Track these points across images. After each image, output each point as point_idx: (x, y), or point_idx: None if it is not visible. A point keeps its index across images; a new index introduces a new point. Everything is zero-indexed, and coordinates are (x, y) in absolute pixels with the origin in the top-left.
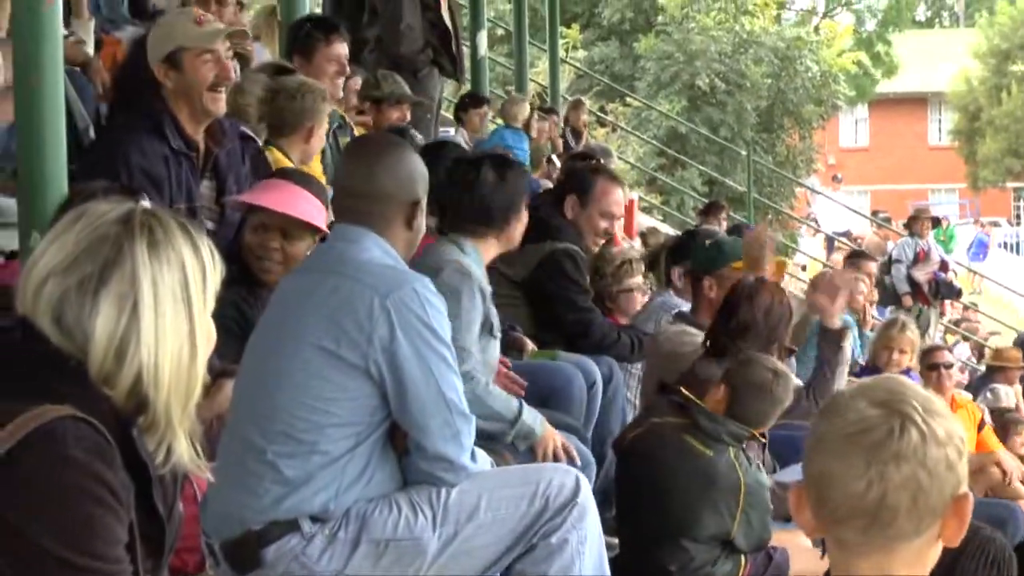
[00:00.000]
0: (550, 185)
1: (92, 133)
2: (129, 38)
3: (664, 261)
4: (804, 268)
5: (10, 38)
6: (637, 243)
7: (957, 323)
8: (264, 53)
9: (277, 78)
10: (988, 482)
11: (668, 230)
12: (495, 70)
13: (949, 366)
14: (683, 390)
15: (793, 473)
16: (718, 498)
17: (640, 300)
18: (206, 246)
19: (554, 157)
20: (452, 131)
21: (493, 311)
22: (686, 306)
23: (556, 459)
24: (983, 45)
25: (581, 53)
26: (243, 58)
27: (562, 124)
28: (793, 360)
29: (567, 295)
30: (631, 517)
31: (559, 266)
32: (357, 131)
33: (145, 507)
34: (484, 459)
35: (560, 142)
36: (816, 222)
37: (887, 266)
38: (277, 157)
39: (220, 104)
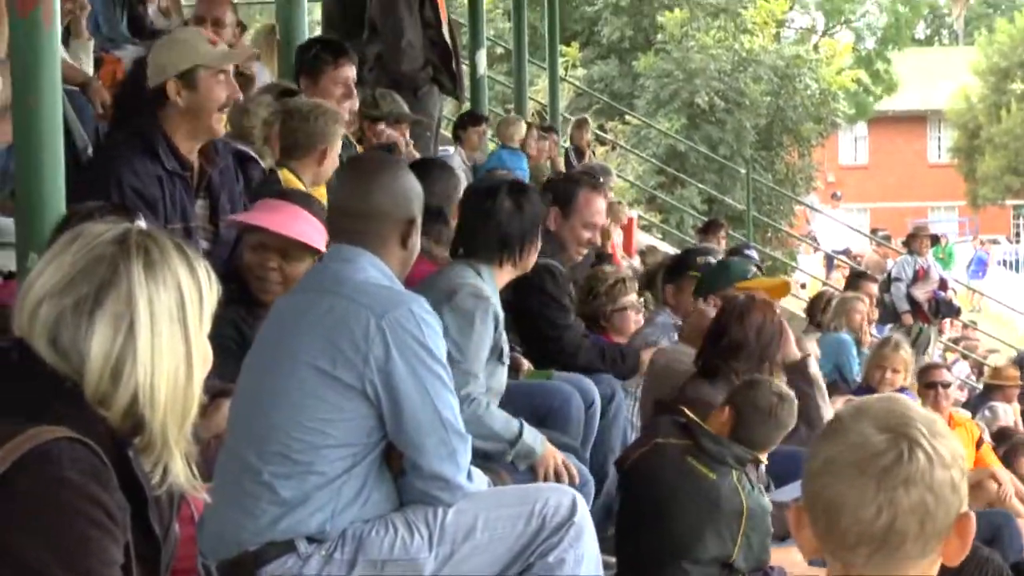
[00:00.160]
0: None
1: (91, 153)
2: (129, 57)
3: (660, 279)
4: (804, 286)
5: (8, 59)
6: (636, 261)
7: (956, 341)
8: (264, 72)
9: (289, 99)
10: (986, 498)
11: (667, 248)
12: (495, 88)
13: (947, 385)
14: (687, 411)
15: (790, 492)
16: (720, 522)
17: (634, 318)
18: (202, 267)
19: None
20: (451, 149)
21: (504, 337)
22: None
23: (557, 477)
24: (982, 63)
25: (581, 71)
26: (245, 77)
27: (568, 142)
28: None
29: (545, 312)
30: (632, 537)
31: (539, 283)
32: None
33: (141, 528)
34: (481, 478)
35: (560, 161)
36: (815, 240)
37: (886, 284)
38: (288, 178)
39: (222, 124)
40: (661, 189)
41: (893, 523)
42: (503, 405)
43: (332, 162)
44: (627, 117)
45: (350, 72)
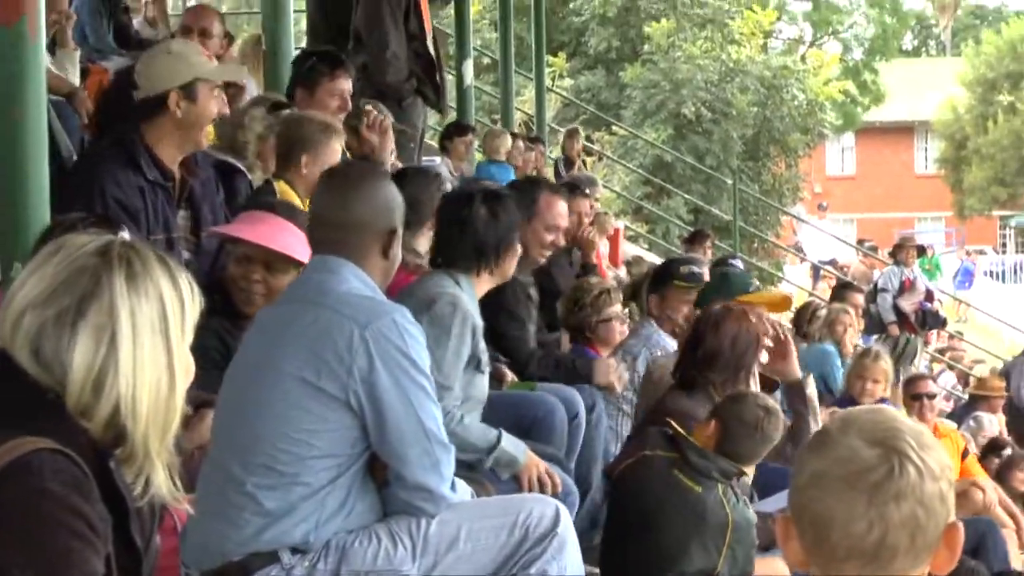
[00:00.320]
0: None
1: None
2: (116, 68)
3: (644, 290)
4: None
5: None
6: (623, 272)
7: (942, 351)
8: (250, 83)
9: (285, 111)
10: (971, 507)
11: (654, 259)
12: (481, 99)
13: (932, 396)
14: (674, 424)
15: (775, 503)
16: (706, 535)
17: (619, 329)
18: (184, 278)
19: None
20: (437, 160)
21: (482, 346)
22: (665, 339)
23: (541, 485)
24: (969, 74)
25: (567, 82)
26: (236, 87)
27: (560, 152)
28: (778, 393)
29: (495, 322)
30: (619, 548)
31: (492, 292)
32: None
33: (122, 539)
34: (464, 489)
35: (546, 171)
36: (802, 251)
37: (873, 295)
38: (284, 190)
39: (207, 137)
40: (647, 199)
41: (884, 538)
42: (487, 414)
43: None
44: (614, 128)
45: (346, 84)
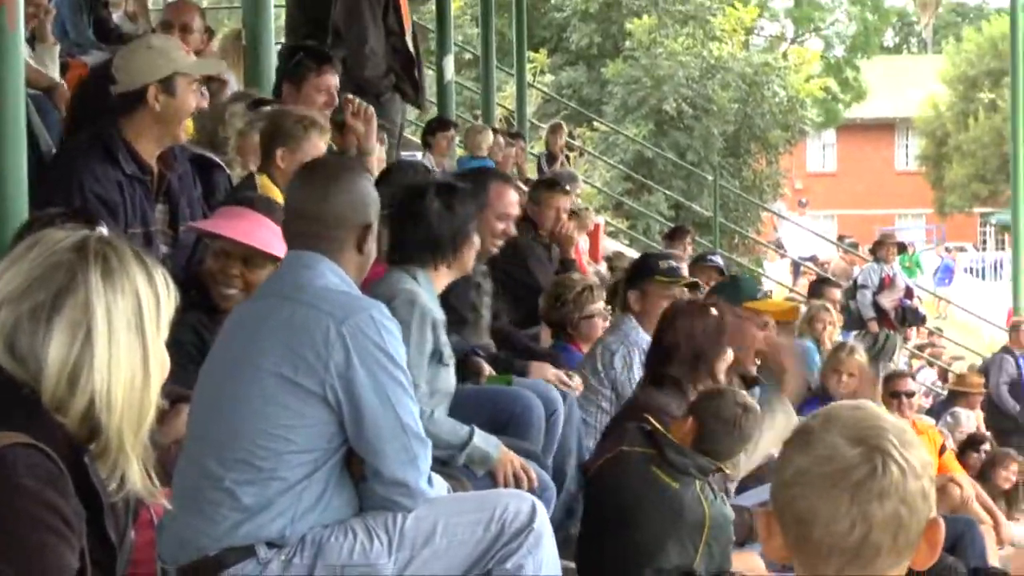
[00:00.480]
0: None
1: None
2: (96, 62)
3: (622, 286)
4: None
5: None
6: (603, 267)
7: (922, 348)
8: (230, 78)
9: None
10: (949, 503)
11: (634, 255)
12: (462, 94)
13: (911, 395)
14: (652, 420)
15: (752, 497)
16: (683, 531)
17: (601, 326)
18: (160, 275)
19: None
20: (418, 155)
21: (444, 339)
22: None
23: (517, 480)
24: (950, 71)
25: (549, 78)
26: (219, 82)
27: (543, 147)
28: (756, 389)
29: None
30: (596, 544)
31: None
32: None
33: (97, 534)
34: (441, 484)
35: (527, 167)
36: (782, 247)
37: (852, 291)
38: (265, 184)
39: (185, 132)
40: (628, 195)
41: (867, 537)
42: (464, 410)
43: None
44: (595, 123)
45: (333, 80)
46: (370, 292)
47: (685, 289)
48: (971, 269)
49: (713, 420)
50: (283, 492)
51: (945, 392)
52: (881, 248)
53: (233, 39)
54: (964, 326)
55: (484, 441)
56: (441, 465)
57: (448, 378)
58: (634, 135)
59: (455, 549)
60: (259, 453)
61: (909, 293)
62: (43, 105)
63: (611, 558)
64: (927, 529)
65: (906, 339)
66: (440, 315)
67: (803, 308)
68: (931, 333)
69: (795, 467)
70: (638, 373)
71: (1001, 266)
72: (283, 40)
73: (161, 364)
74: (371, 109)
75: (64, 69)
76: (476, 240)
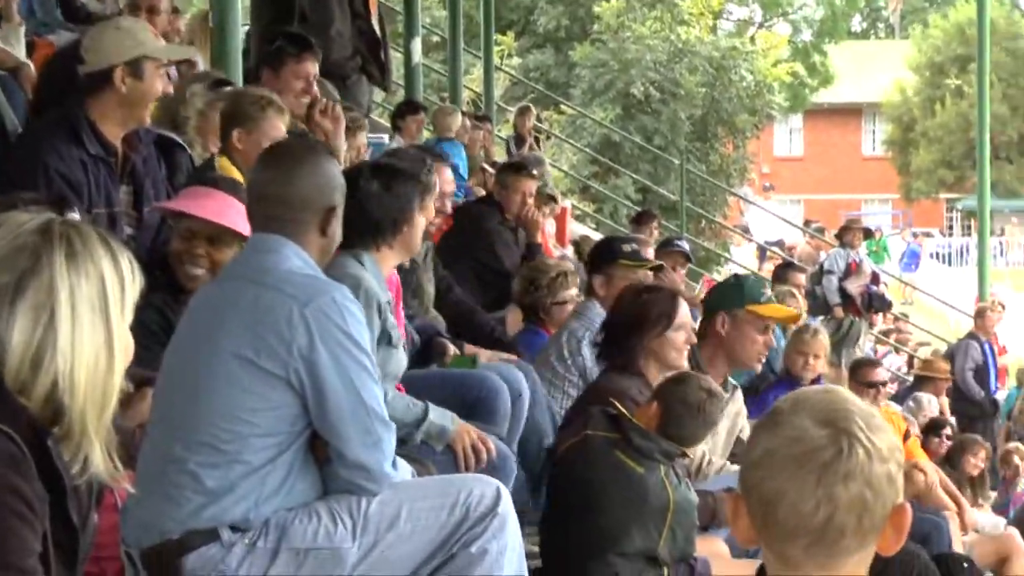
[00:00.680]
0: (483, 193)
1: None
2: (63, 42)
3: (585, 271)
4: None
5: None
6: (570, 251)
7: (887, 333)
8: (198, 59)
9: (224, 89)
10: (913, 489)
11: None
12: (430, 76)
13: (884, 384)
14: (616, 404)
15: (719, 483)
16: (647, 516)
17: None
18: (126, 258)
19: (486, 165)
20: (385, 137)
21: (392, 321)
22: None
23: (476, 452)
24: (917, 58)
25: (516, 60)
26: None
27: (511, 130)
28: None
29: None
30: (559, 528)
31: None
32: None
33: (60, 517)
34: (405, 468)
35: (493, 149)
36: (748, 231)
37: (819, 277)
38: (224, 165)
39: (148, 114)
40: (595, 179)
41: (832, 518)
42: (430, 394)
43: (257, 148)
44: (562, 107)
45: (312, 68)
46: None
47: (649, 272)
48: (937, 255)
49: (678, 405)
50: (247, 475)
51: (911, 378)
52: (847, 233)
53: (200, 20)
54: (930, 311)
55: (440, 416)
56: (400, 444)
57: (398, 360)
58: (601, 119)
59: (419, 533)
60: (223, 436)
61: (875, 279)
62: (8, 85)
63: (575, 542)
64: (893, 514)
65: (871, 325)
66: (386, 297)
67: (805, 315)
68: (897, 319)
69: (763, 448)
70: None
71: (967, 252)
72: (249, 22)
73: (125, 348)
74: (338, 108)
75: (31, 49)
76: (421, 220)
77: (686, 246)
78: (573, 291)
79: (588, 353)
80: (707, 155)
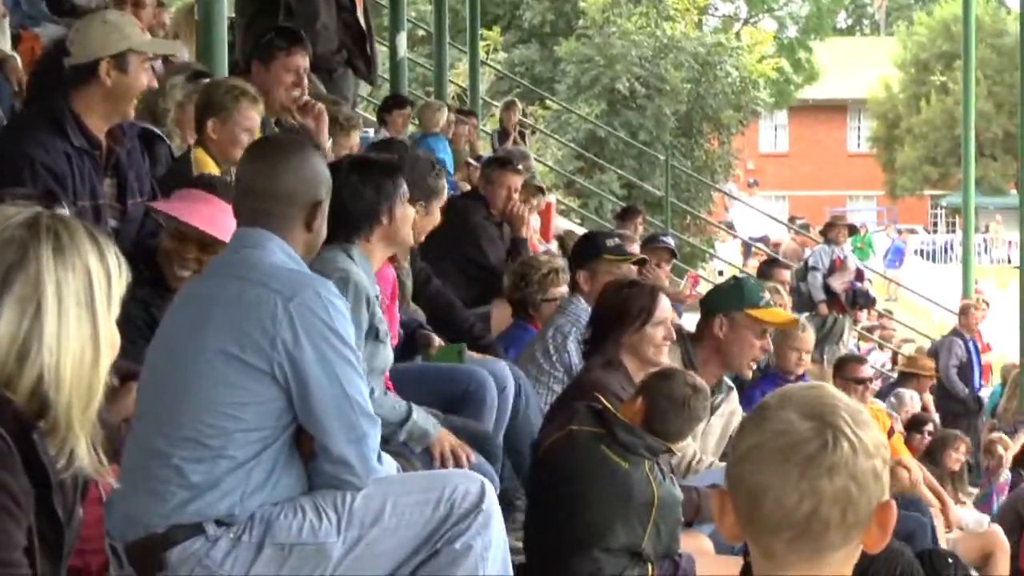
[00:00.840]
0: (468, 188)
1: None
2: (48, 35)
3: (569, 266)
4: (721, 274)
5: None
6: (554, 246)
7: (871, 330)
8: (183, 52)
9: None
10: (897, 485)
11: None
12: (415, 71)
13: (870, 381)
14: (602, 399)
15: (704, 479)
16: (632, 511)
17: None
18: (113, 253)
19: (471, 160)
20: (370, 131)
21: (379, 315)
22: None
23: (455, 458)
24: (902, 55)
25: (501, 55)
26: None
27: (497, 124)
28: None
29: None
30: (543, 524)
31: None
32: None
33: (45, 511)
34: (390, 463)
35: (479, 144)
36: (733, 228)
37: (803, 273)
38: (201, 158)
39: (132, 108)
40: (580, 174)
41: (816, 511)
42: (418, 387)
43: (231, 138)
44: (547, 102)
45: (303, 61)
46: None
47: (633, 267)
48: (922, 251)
49: (663, 400)
50: (232, 470)
51: (895, 375)
52: (832, 230)
53: (186, 13)
54: (914, 308)
55: (423, 419)
56: (383, 443)
57: (385, 355)
58: (586, 114)
59: (404, 528)
60: (207, 431)
61: (860, 276)
62: None
63: (559, 538)
64: (879, 511)
65: (856, 321)
66: (375, 291)
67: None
68: (881, 316)
69: (749, 443)
70: None
71: (951, 248)
72: (234, 15)
73: (111, 342)
74: (320, 106)
75: (16, 41)
76: (409, 212)
77: (671, 242)
78: (563, 288)
79: (574, 349)
80: (692, 151)
